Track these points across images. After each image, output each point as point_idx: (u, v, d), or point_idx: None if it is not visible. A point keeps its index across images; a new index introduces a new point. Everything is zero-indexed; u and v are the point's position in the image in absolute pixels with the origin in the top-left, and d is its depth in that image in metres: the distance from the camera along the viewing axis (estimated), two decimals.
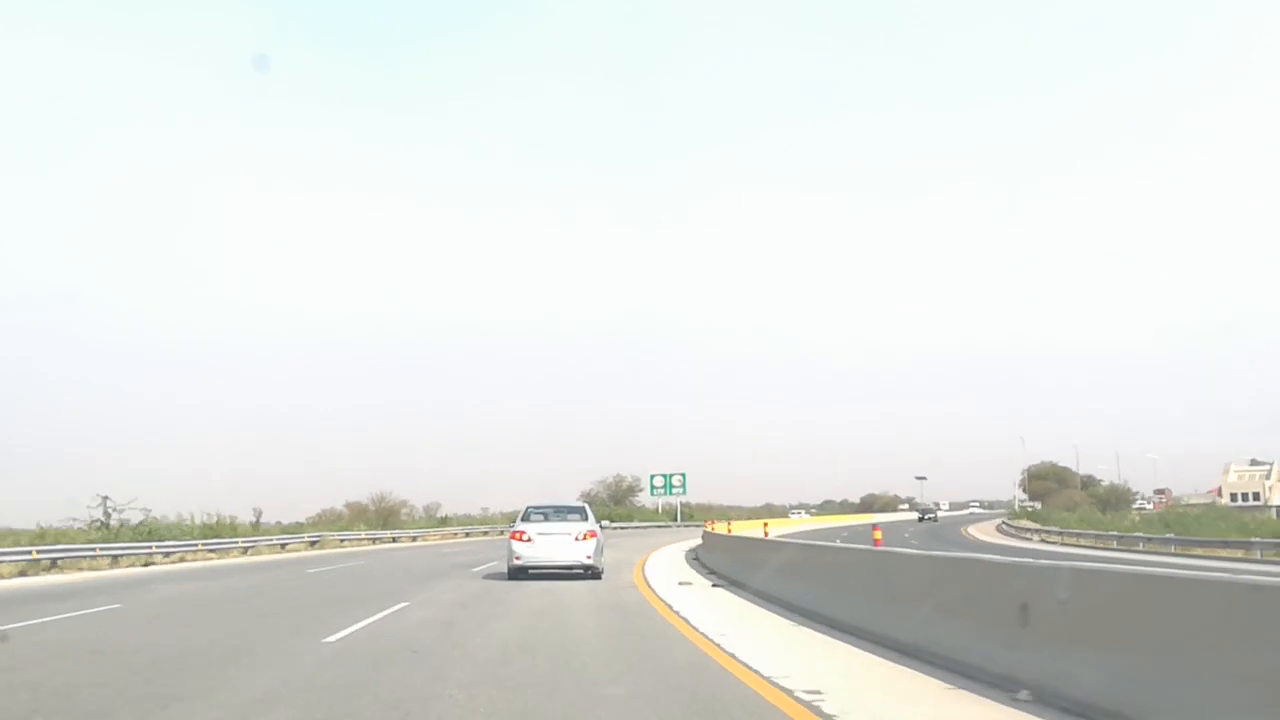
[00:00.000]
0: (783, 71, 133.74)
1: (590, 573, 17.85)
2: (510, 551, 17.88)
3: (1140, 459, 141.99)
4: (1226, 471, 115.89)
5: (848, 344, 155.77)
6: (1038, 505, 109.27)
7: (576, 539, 17.79)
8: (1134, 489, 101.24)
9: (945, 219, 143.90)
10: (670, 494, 79.57)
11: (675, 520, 77.08)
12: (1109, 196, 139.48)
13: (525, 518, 18.31)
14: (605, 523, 39.26)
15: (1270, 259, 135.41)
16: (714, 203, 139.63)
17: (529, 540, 17.67)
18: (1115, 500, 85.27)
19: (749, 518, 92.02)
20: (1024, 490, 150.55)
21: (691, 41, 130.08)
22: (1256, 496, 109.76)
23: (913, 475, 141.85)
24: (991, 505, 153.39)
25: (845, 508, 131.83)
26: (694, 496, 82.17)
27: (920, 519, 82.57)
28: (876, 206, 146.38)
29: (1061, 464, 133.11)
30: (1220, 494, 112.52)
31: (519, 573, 17.71)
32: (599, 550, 18.37)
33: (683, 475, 79.77)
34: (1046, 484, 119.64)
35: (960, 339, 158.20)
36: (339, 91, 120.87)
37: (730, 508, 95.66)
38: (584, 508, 19.37)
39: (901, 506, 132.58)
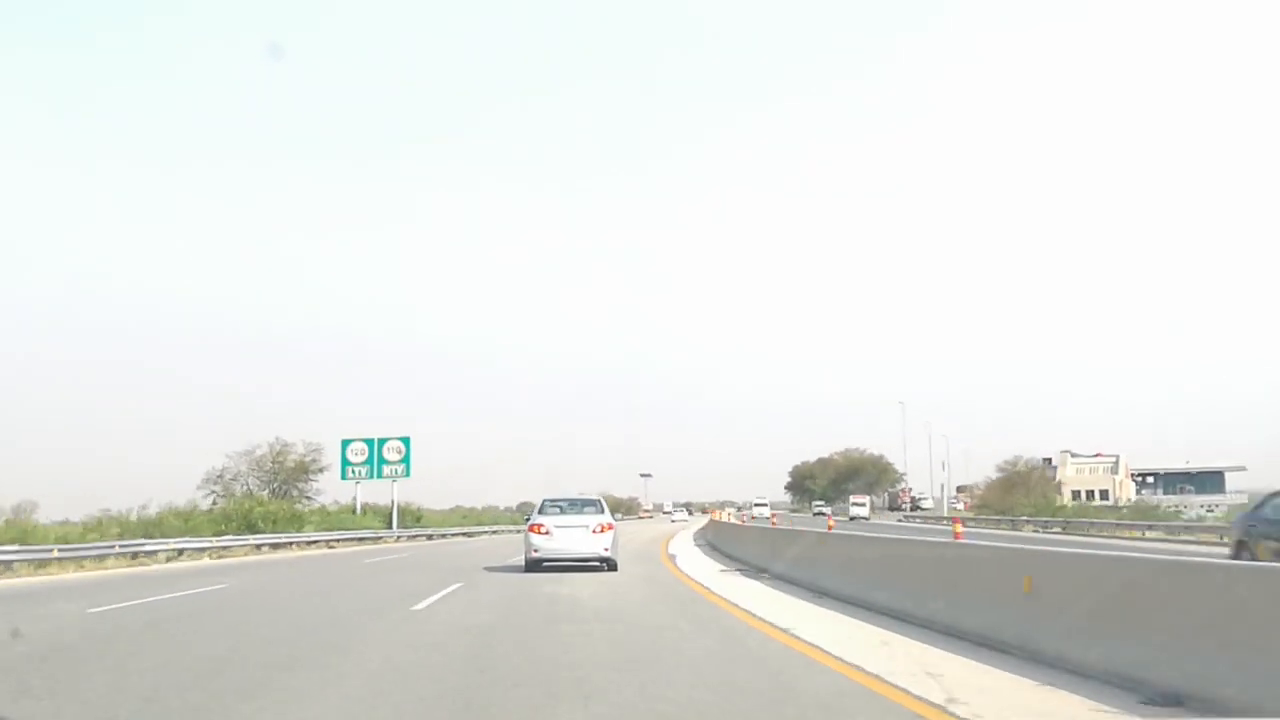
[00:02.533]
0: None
1: (607, 565, 17.69)
2: (528, 544, 17.89)
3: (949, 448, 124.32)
4: (1063, 465, 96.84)
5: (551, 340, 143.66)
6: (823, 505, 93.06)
7: (594, 531, 17.70)
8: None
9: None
10: (378, 475, 43.41)
11: (391, 526, 41.28)
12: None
13: (542, 510, 18.32)
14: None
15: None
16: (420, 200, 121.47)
17: (547, 533, 17.61)
18: None
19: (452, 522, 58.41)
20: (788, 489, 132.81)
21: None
22: (1104, 494, 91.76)
23: (636, 474, 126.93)
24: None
25: None
26: (377, 493, 45.92)
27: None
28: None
29: (872, 453, 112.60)
30: (1060, 491, 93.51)
31: (535, 565, 17.59)
32: (615, 543, 18.21)
33: (404, 442, 43.89)
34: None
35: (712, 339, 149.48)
36: None
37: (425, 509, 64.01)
38: (599, 500, 19.26)
39: (668, 510, 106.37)
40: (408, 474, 43.52)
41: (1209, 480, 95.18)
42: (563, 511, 18.15)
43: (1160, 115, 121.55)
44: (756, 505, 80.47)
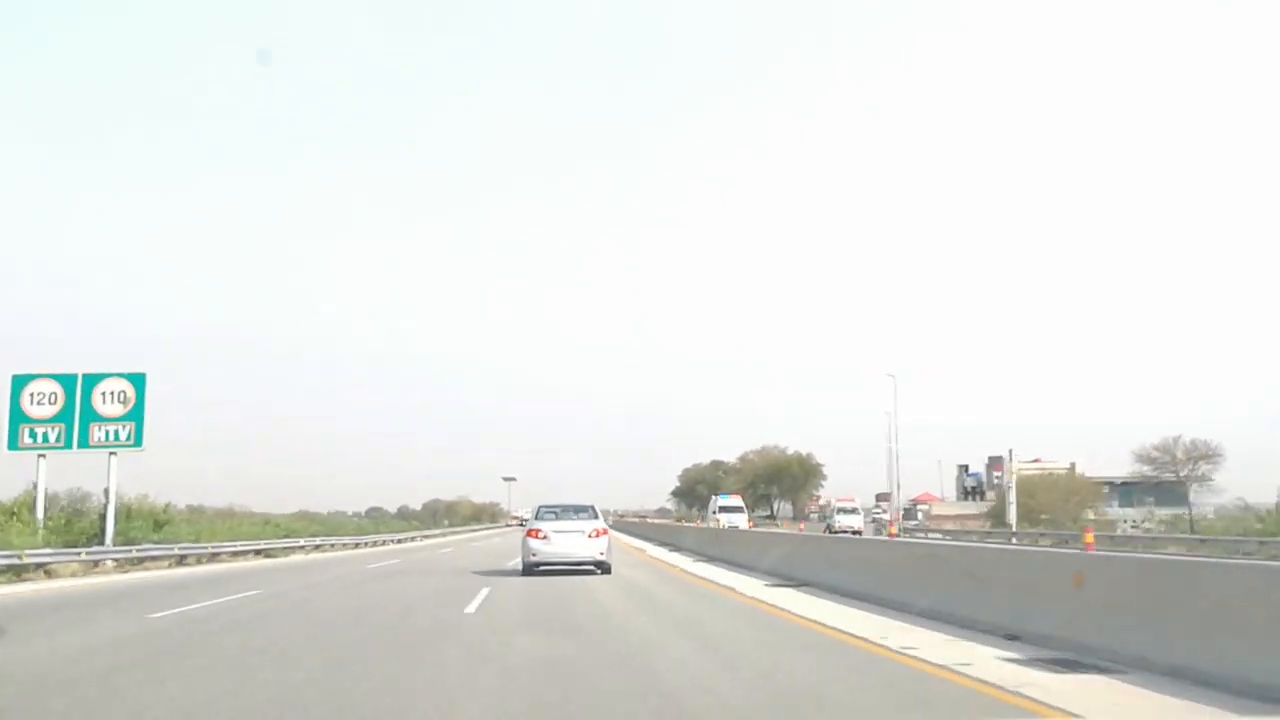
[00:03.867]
0: None
1: (601, 568, 18.33)
2: (526, 549, 18.49)
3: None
4: (1010, 473, 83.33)
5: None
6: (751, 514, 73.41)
7: (589, 536, 18.43)
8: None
9: None
10: (83, 443, 23.28)
11: (103, 539, 21.31)
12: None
13: (538, 516, 19.26)
14: None
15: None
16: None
17: (545, 537, 18.32)
18: None
19: (246, 533, 39.19)
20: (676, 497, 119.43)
21: None
22: None
23: (500, 477, 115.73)
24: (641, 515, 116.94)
25: (405, 516, 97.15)
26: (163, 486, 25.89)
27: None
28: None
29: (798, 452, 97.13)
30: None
31: (533, 569, 18.18)
32: (610, 548, 18.99)
33: (134, 383, 23.90)
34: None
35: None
36: None
37: (257, 515, 48.30)
38: (592, 506, 19.58)
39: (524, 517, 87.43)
40: (138, 442, 23.57)
41: (1169, 492, 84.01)
42: (558, 517, 18.92)
43: (1111, 131, 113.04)
44: (724, 510, 49.34)
